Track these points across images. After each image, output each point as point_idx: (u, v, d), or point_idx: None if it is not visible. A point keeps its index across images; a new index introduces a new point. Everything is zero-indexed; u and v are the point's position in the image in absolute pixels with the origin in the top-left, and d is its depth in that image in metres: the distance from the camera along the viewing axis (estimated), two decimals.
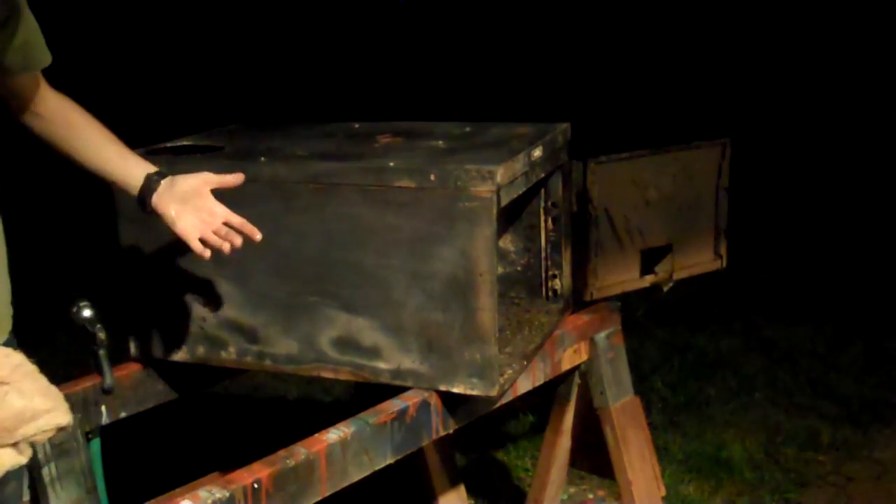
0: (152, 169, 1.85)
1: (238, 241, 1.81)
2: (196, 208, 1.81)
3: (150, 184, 1.83)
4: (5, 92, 1.77)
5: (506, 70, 10.01)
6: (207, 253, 1.80)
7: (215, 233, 1.80)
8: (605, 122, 7.41)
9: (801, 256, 5.77)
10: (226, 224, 1.81)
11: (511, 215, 2.44)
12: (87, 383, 2.01)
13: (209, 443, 3.52)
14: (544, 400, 2.76)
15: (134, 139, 2.11)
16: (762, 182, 6.66)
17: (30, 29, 1.72)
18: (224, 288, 2.08)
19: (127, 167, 1.84)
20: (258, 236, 1.83)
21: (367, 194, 1.95)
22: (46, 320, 3.56)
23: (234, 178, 1.85)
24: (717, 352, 4.47)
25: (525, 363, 2.16)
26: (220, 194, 1.95)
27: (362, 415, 1.89)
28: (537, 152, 2.14)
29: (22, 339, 1.66)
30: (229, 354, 2.12)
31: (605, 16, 10.36)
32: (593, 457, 2.68)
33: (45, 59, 1.77)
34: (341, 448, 1.80)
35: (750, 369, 4.29)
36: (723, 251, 2.75)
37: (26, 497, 1.79)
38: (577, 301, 2.52)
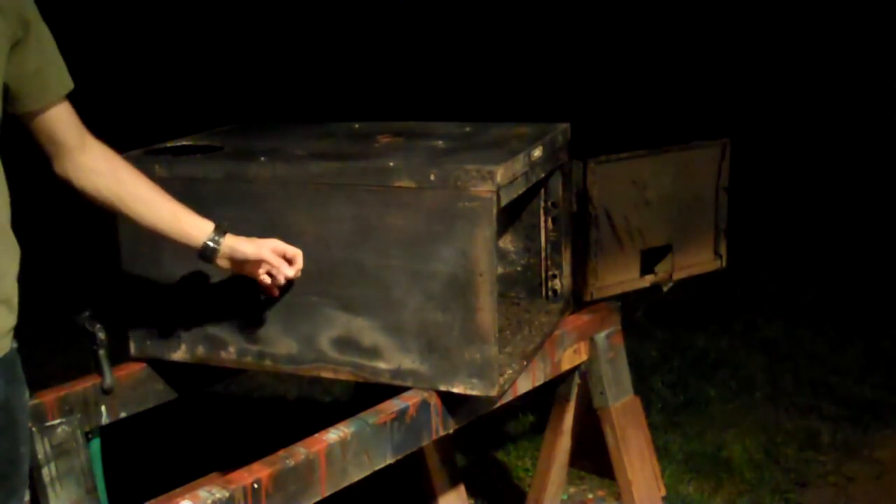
0: (208, 230, 1.87)
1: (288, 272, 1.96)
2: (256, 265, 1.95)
3: (208, 252, 1.88)
4: (40, 137, 1.69)
5: (506, 70, 10.01)
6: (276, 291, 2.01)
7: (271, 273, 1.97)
8: (605, 122, 7.41)
9: (801, 256, 5.77)
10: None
11: (511, 215, 2.44)
12: (87, 383, 2.01)
13: (209, 443, 3.52)
14: (544, 400, 2.76)
15: (134, 139, 2.11)
16: (762, 182, 6.66)
17: (47, 52, 1.62)
18: (224, 288, 2.08)
19: (182, 229, 1.86)
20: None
21: (367, 194, 1.95)
22: (47, 320, 3.57)
23: (293, 252, 1.95)
24: (717, 352, 4.47)
25: (525, 363, 2.16)
26: (220, 195, 1.94)
27: (362, 415, 1.89)
28: (537, 152, 2.14)
29: (22, 340, 1.65)
30: (229, 354, 2.12)
31: (605, 16, 10.36)
32: (593, 457, 2.68)
33: (64, 86, 1.67)
34: (341, 448, 1.80)
35: (750, 369, 4.28)
36: (723, 251, 2.75)
37: (26, 497, 1.79)
38: (577, 301, 2.52)
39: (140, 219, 1.82)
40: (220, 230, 1.88)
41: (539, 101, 8.62)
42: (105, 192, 1.77)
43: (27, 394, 1.69)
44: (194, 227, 1.87)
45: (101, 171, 1.76)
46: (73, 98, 1.70)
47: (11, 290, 1.60)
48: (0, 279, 1.57)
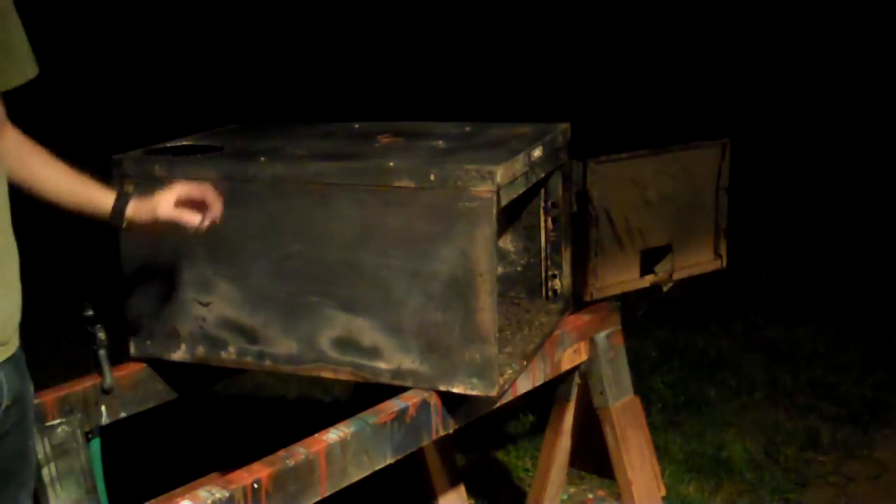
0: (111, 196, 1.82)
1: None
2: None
3: (116, 215, 1.82)
4: None
5: (506, 70, 10.01)
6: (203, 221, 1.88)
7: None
8: (605, 122, 7.41)
9: (801, 256, 5.77)
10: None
11: (511, 215, 2.44)
12: (87, 383, 2.01)
13: (209, 443, 3.52)
14: (544, 400, 2.76)
15: (134, 139, 2.11)
16: (762, 182, 6.66)
17: (10, 38, 1.55)
18: (224, 288, 2.08)
19: (92, 195, 1.80)
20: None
21: (367, 194, 1.95)
22: (47, 320, 3.57)
23: (199, 191, 1.87)
24: (717, 352, 4.47)
25: (525, 363, 2.16)
26: (220, 195, 1.94)
27: (362, 415, 1.89)
28: (537, 152, 2.14)
29: (22, 339, 1.65)
30: (229, 354, 2.12)
31: (605, 16, 10.36)
32: (593, 457, 2.68)
33: (27, 71, 1.58)
34: (341, 448, 1.80)
35: (750, 369, 4.28)
36: (723, 251, 2.75)
37: None
38: (577, 301, 2.52)
39: (50, 198, 1.77)
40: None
41: (539, 101, 8.62)
42: (14, 177, 1.71)
43: (32, 388, 1.71)
44: (103, 193, 1.82)
45: (11, 156, 1.70)
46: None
47: (18, 287, 1.61)
48: (8, 277, 1.58)
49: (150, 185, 1.92)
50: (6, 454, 1.60)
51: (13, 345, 1.60)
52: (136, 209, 1.84)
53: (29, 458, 1.68)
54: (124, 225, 1.84)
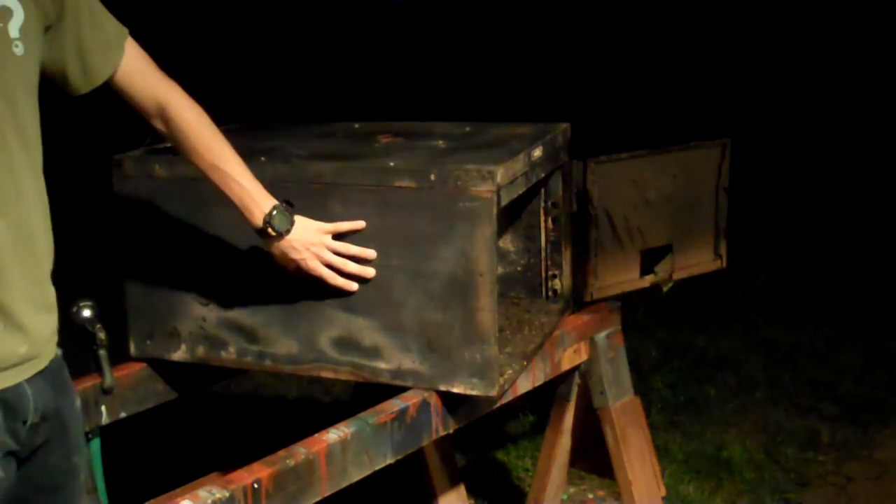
0: (268, 207, 1.86)
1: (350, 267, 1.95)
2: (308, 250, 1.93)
3: (266, 232, 1.88)
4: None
5: (506, 70, 10.01)
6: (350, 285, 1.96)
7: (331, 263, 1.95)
8: (605, 122, 7.41)
9: (800, 256, 5.77)
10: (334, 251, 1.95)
11: (511, 215, 2.44)
12: (87, 383, 2.01)
13: (209, 443, 3.51)
14: (544, 400, 2.76)
15: (135, 139, 2.11)
16: (762, 182, 6.66)
17: (88, 33, 1.57)
18: (224, 288, 2.08)
19: (243, 200, 1.86)
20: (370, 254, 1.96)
21: (367, 194, 1.95)
22: None
23: (350, 225, 1.95)
24: (717, 352, 4.47)
25: (525, 363, 2.16)
26: (220, 195, 1.94)
27: (362, 415, 1.89)
28: (537, 152, 2.14)
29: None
30: (229, 354, 2.12)
31: (605, 16, 10.37)
32: (593, 457, 2.68)
33: (112, 62, 1.62)
34: (341, 448, 1.80)
35: (750, 369, 4.28)
36: (723, 251, 2.75)
37: None
38: (577, 301, 2.52)
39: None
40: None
41: (539, 101, 8.62)
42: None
43: (78, 401, 1.65)
44: (254, 202, 1.87)
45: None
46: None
47: (52, 294, 1.56)
48: (42, 283, 1.55)
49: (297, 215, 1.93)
50: (45, 470, 1.54)
51: (46, 357, 1.54)
52: (282, 252, 1.91)
53: (73, 474, 1.59)
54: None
